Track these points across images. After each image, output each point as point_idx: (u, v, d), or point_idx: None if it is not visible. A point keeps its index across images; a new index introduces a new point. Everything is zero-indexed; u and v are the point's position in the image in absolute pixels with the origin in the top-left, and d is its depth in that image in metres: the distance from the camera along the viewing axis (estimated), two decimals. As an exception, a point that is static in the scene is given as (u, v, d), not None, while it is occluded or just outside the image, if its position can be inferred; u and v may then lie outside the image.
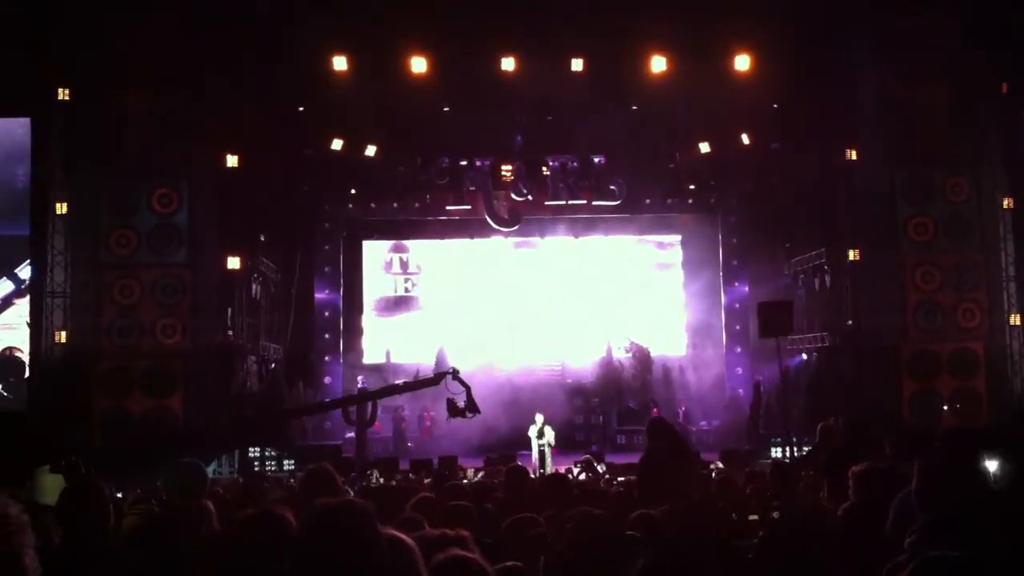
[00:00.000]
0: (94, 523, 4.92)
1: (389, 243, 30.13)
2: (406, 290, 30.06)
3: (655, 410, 27.27)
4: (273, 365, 25.56)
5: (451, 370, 15.53)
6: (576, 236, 29.20)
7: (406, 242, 30.08)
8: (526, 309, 28.99)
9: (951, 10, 20.50)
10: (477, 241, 29.21)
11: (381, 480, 17.34)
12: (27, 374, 21.16)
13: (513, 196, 26.91)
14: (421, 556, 3.25)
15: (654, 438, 8.94)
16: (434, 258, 30.09)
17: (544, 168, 26.73)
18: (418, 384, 17.85)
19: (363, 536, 2.87)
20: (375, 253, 30.18)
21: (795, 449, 19.98)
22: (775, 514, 6.21)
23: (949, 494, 3.95)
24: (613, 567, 3.89)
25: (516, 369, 27.29)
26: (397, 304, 29.89)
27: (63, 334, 19.77)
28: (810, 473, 10.16)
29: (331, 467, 6.06)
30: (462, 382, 15.22)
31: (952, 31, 20.49)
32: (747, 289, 28.81)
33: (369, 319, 29.71)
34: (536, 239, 28.98)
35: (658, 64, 20.98)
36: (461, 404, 15.26)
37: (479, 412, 15.78)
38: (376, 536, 2.90)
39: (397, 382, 20.53)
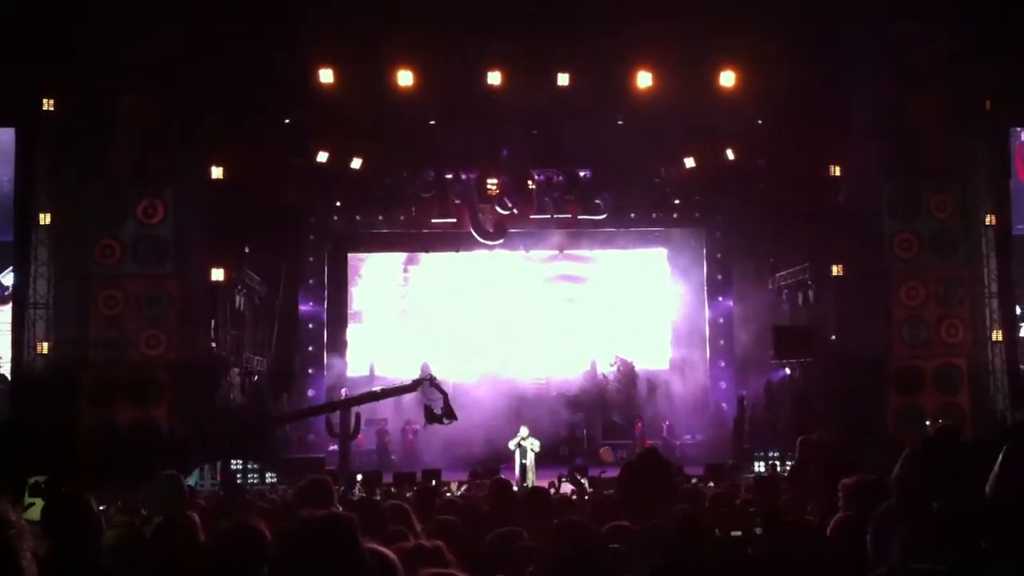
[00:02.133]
0: (82, 536, 4.88)
1: (374, 255, 30.10)
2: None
3: (639, 425, 27.32)
4: (257, 377, 25.48)
5: (428, 377, 15.59)
6: (561, 250, 29.20)
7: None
8: (511, 322, 28.97)
9: (938, 29, 20.62)
10: (462, 254, 29.19)
11: (363, 493, 17.26)
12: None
13: (498, 209, 26.93)
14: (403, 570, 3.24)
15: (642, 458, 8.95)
16: (419, 271, 30.05)
17: (530, 182, 26.77)
18: (396, 391, 17.95)
19: (346, 549, 2.86)
20: (363, 265, 30.15)
21: (779, 463, 20.02)
22: (758, 530, 6.19)
23: (929, 502, 3.94)
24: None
25: (500, 382, 27.26)
26: (382, 317, 29.85)
27: (45, 345, 19.68)
28: (792, 488, 10.16)
29: (329, 480, 6.03)
30: (439, 389, 15.29)
31: (938, 50, 20.62)
32: (731, 303, 28.87)
33: (353, 332, 29.63)
34: (521, 252, 28.96)
35: (644, 79, 21.06)
36: (438, 411, 15.34)
37: (456, 419, 15.91)
38: (359, 549, 2.88)
39: (375, 389, 20.61)
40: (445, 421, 15.14)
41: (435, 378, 14.98)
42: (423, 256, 29.77)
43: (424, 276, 30.01)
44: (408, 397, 22.13)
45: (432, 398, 15.10)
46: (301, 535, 2.88)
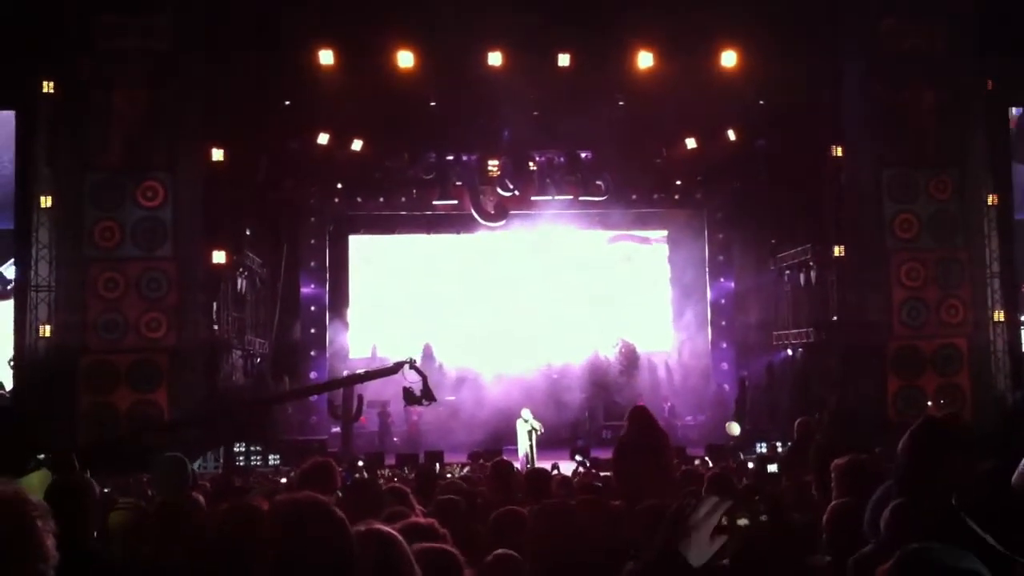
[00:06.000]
0: (80, 520, 4.89)
1: (375, 237, 30.12)
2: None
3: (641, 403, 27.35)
4: (259, 360, 25.52)
5: (408, 360, 15.74)
6: (562, 232, 29.18)
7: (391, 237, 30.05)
8: (512, 304, 28.95)
9: (938, 9, 20.60)
10: (463, 236, 29.19)
11: (366, 475, 17.32)
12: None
13: (499, 191, 26.91)
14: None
15: (632, 422, 8.96)
16: (420, 253, 30.05)
17: (531, 163, 26.72)
18: (377, 373, 18.00)
19: (318, 531, 2.87)
20: (364, 247, 30.18)
21: (779, 444, 20.06)
22: (763, 517, 6.18)
23: (928, 485, 3.95)
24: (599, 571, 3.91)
25: (502, 364, 27.29)
26: (383, 299, 29.88)
27: (47, 328, 19.69)
28: (789, 469, 10.20)
29: (332, 462, 6.04)
30: (419, 371, 15.45)
31: (939, 29, 20.60)
32: (733, 285, 28.90)
33: (355, 314, 29.66)
34: (522, 234, 28.91)
35: (645, 59, 21.01)
36: (418, 393, 15.50)
37: (435, 400, 16.09)
38: (331, 532, 2.89)
39: (359, 371, 20.65)
40: (424, 403, 15.40)
41: (415, 361, 15.10)
42: (422, 238, 29.76)
43: (425, 258, 30.00)
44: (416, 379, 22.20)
45: (412, 381, 15.28)
46: (276, 520, 2.90)
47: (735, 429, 22.99)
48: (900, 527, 3.66)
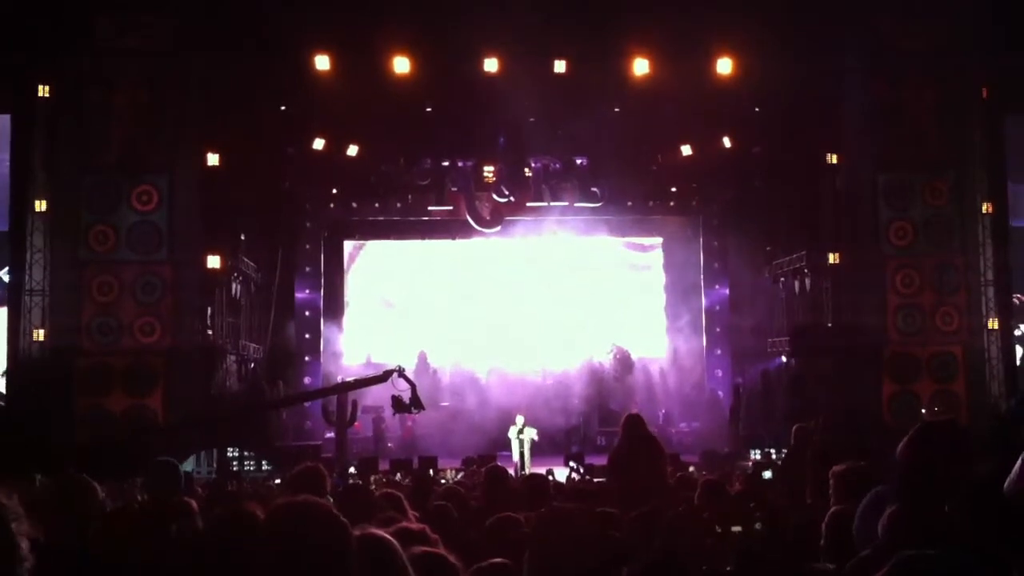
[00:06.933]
0: (75, 522, 4.87)
1: (371, 243, 30.09)
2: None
3: (635, 410, 27.28)
4: (253, 365, 25.46)
5: (397, 368, 15.75)
6: (557, 238, 29.15)
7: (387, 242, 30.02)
8: (507, 311, 28.93)
9: (934, 15, 20.64)
10: (459, 242, 29.17)
11: (359, 481, 17.29)
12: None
13: (495, 197, 26.88)
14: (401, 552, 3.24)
15: (626, 431, 8.98)
16: (415, 259, 30.01)
17: (526, 169, 26.70)
18: (366, 381, 18.06)
19: (318, 534, 2.85)
20: (359, 252, 30.13)
21: (774, 451, 20.06)
22: (757, 525, 6.20)
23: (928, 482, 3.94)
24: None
25: (497, 371, 27.26)
26: (378, 305, 29.84)
27: (41, 332, 19.65)
28: (788, 477, 10.19)
29: (322, 468, 6.03)
30: (408, 380, 15.50)
31: (935, 36, 20.64)
32: (728, 291, 28.89)
33: (350, 319, 29.60)
34: (518, 241, 28.89)
35: (641, 66, 21.02)
36: (407, 401, 15.55)
37: (423, 408, 16.13)
38: (332, 535, 2.87)
39: (348, 379, 20.65)
40: (414, 410, 15.53)
41: (403, 369, 15.17)
42: (418, 244, 29.72)
43: (420, 263, 29.96)
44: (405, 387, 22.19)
45: (401, 389, 15.34)
46: (272, 523, 2.89)
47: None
48: (897, 532, 3.65)
